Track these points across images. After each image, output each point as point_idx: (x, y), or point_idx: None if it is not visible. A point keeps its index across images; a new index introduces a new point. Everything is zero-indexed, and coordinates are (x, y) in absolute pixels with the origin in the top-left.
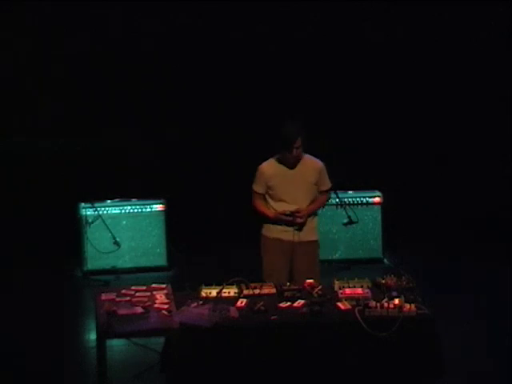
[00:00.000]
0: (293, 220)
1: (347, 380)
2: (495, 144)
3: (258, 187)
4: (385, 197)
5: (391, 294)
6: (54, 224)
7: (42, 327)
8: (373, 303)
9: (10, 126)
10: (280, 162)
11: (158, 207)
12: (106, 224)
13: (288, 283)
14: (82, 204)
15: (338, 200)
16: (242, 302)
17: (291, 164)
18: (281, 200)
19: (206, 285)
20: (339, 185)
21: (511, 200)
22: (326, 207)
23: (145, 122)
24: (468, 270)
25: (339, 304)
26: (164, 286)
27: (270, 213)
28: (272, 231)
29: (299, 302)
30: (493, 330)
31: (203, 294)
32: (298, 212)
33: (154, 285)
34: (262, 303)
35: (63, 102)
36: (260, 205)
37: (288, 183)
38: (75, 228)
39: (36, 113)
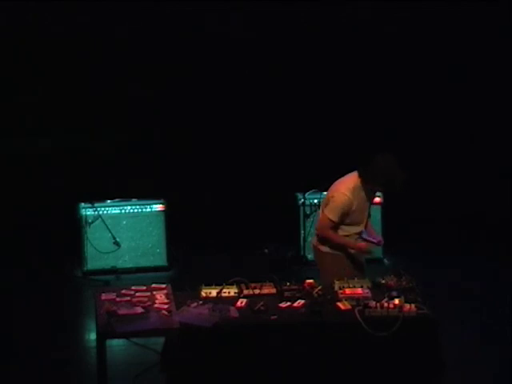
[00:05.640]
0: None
1: (347, 380)
2: (495, 144)
3: (337, 218)
4: (384, 197)
5: (391, 293)
6: (54, 224)
7: (42, 327)
8: (373, 303)
9: (9, 126)
10: (361, 187)
11: (158, 207)
12: (105, 224)
13: (288, 283)
14: (82, 204)
15: None
16: (241, 302)
17: (373, 193)
18: (351, 224)
19: (206, 285)
20: None
21: (511, 200)
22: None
23: (145, 122)
24: (468, 269)
25: (339, 304)
26: (164, 285)
27: (352, 243)
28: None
29: (299, 302)
30: (493, 330)
31: (203, 294)
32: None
33: (153, 285)
34: (261, 303)
35: (63, 102)
36: (336, 235)
37: (363, 207)
38: (75, 228)
39: (36, 113)
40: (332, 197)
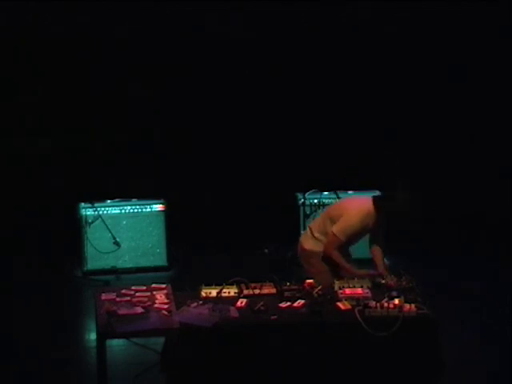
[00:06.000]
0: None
1: (347, 380)
2: (495, 144)
3: (346, 238)
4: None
5: (391, 293)
6: (54, 224)
7: (42, 327)
8: (373, 303)
9: (9, 126)
10: (373, 215)
11: (158, 207)
12: (105, 224)
13: (288, 283)
14: (82, 204)
15: (337, 200)
16: (241, 302)
17: (380, 224)
18: (349, 244)
19: (206, 285)
20: (339, 185)
21: (511, 200)
22: (326, 207)
23: (145, 122)
24: (468, 269)
25: (339, 304)
26: (164, 285)
27: (355, 271)
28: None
29: (299, 302)
30: (493, 330)
31: (203, 294)
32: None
33: (153, 285)
34: (261, 303)
35: (63, 102)
36: (339, 256)
37: (363, 234)
38: (75, 228)
39: (36, 113)
40: (344, 216)
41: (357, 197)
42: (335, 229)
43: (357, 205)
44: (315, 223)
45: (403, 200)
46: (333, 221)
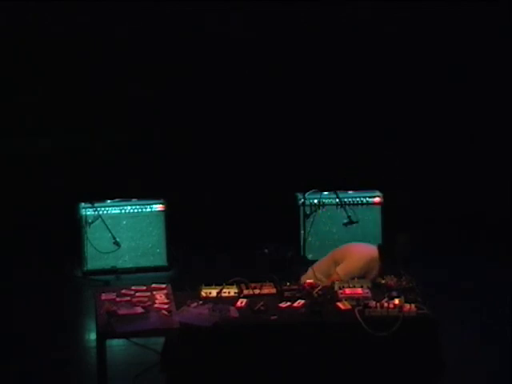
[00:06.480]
0: None
1: (347, 380)
2: (495, 144)
3: (349, 279)
4: (385, 197)
5: (391, 294)
6: (54, 224)
7: (42, 327)
8: (373, 303)
9: (9, 126)
10: (377, 262)
11: (158, 207)
12: (105, 224)
13: (288, 283)
14: (82, 204)
15: (337, 200)
16: (241, 302)
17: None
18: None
19: (206, 285)
20: (339, 185)
21: (511, 200)
22: (327, 207)
23: (145, 122)
24: (468, 269)
25: (339, 304)
26: (164, 285)
27: None
28: None
29: (299, 302)
30: (493, 330)
31: (203, 294)
32: None
33: (154, 285)
34: (261, 303)
35: (63, 102)
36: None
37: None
38: (75, 228)
39: (36, 113)
40: (347, 259)
41: (362, 244)
42: (340, 270)
43: (359, 250)
44: (319, 265)
45: (403, 253)
46: (337, 264)
